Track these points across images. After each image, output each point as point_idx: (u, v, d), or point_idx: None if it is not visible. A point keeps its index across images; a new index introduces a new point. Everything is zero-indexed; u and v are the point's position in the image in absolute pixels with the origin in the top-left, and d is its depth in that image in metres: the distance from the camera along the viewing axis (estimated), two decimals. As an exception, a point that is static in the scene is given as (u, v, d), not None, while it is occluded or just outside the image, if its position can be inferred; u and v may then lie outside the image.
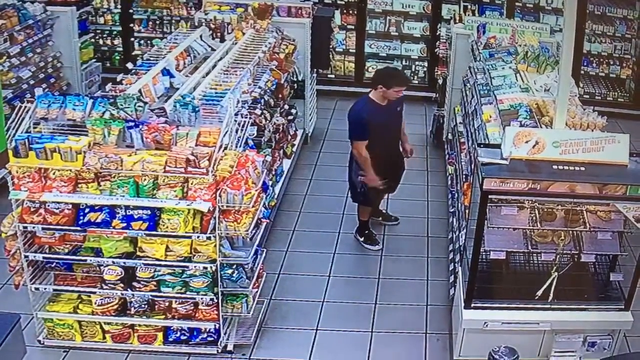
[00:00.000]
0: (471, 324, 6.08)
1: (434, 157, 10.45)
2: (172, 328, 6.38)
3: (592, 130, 6.32)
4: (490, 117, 7.29)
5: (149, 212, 5.83)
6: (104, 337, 6.40)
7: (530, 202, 5.96)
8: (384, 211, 8.74)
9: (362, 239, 8.27)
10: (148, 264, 6.00)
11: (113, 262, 6.03)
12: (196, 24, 9.23)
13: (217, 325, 6.29)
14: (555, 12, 11.89)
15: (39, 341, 6.37)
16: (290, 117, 9.50)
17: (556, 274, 6.06)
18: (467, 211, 6.76)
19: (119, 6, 12.32)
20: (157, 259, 5.97)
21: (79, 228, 5.90)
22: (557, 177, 5.64)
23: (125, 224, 5.85)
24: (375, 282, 7.59)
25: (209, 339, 6.38)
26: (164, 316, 6.32)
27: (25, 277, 6.12)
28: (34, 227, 5.91)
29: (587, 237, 6.08)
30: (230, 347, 6.42)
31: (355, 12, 12.32)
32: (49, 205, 5.84)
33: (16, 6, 9.42)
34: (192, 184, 5.77)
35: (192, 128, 6.02)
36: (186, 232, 5.85)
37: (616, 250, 6.10)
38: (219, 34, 8.88)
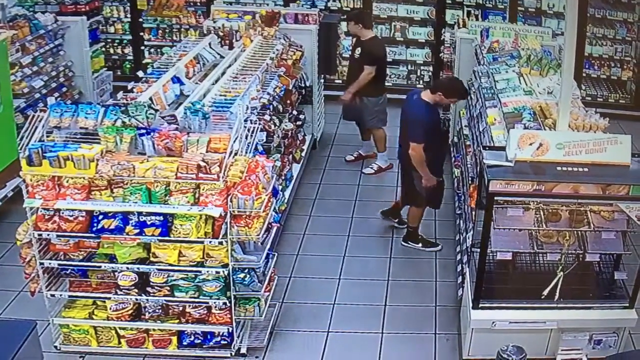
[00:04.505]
0: (479, 324, 6.14)
1: (440, 160, 10.47)
2: (186, 332, 6.43)
3: (595, 132, 6.39)
4: (495, 120, 7.35)
5: (161, 218, 5.87)
6: (119, 342, 6.46)
7: (535, 203, 6.00)
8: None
9: (419, 245, 8.25)
10: (161, 269, 6.04)
11: (127, 268, 6.07)
12: (205, 32, 9.30)
13: (230, 329, 6.33)
14: (556, 16, 11.90)
15: (56, 347, 6.44)
16: (298, 123, 9.57)
17: (562, 273, 6.11)
18: (473, 213, 6.82)
19: (129, 15, 12.44)
20: (171, 264, 6.00)
21: (93, 235, 5.95)
22: (561, 178, 5.70)
23: (138, 230, 5.90)
24: (384, 284, 7.65)
25: (222, 342, 6.43)
26: (177, 320, 6.37)
27: (40, 284, 6.18)
28: (48, 235, 5.96)
29: (592, 236, 6.12)
30: (243, 350, 6.48)
31: (361, 18, 12.39)
32: (63, 213, 5.89)
33: (27, 17, 9.52)
34: (203, 189, 5.83)
35: (202, 135, 6.07)
36: (198, 238, 5.90)
37: (620, 250, 6.14)
38: (227, 42, 8.95)
